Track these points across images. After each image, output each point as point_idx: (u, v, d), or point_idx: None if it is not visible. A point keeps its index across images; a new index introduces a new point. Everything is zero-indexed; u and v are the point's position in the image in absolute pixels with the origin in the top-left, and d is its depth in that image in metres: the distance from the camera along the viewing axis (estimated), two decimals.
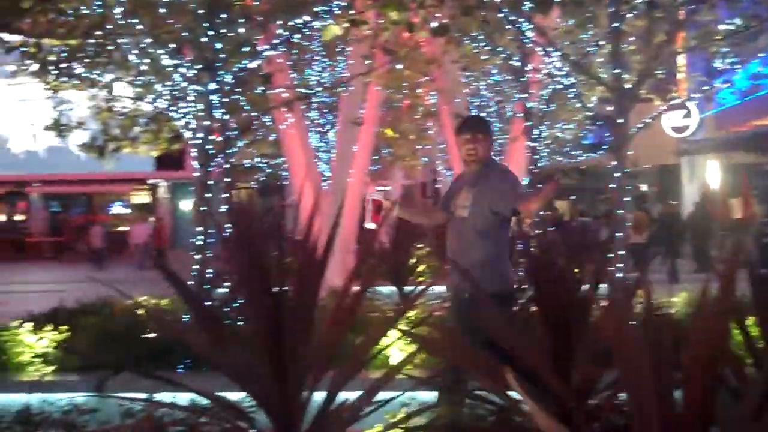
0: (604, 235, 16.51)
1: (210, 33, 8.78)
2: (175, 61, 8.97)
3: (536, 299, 3.73)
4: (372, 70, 11.14)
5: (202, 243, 8.89)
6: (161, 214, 32.93)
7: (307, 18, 9.01)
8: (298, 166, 13.73)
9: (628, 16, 9.11)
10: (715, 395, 2.62)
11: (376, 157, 17.92)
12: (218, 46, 8.82)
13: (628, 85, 8.83)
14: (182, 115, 9.17)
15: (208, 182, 8.93)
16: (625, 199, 8.86)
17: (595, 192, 31.32)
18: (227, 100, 9.11)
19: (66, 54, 10.12)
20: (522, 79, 11.88)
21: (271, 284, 3.00)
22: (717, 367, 2.61)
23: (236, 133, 9.36)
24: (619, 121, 8.75)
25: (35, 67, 10.32)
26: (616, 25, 8.90)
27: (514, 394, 3.15)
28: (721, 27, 9.73)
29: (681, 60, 16.43)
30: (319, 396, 3.13)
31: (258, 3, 9.73)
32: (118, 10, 8.75)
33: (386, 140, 19.81)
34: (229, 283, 8.84)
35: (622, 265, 8.42)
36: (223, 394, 3.34)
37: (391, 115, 18.31)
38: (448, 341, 3.57)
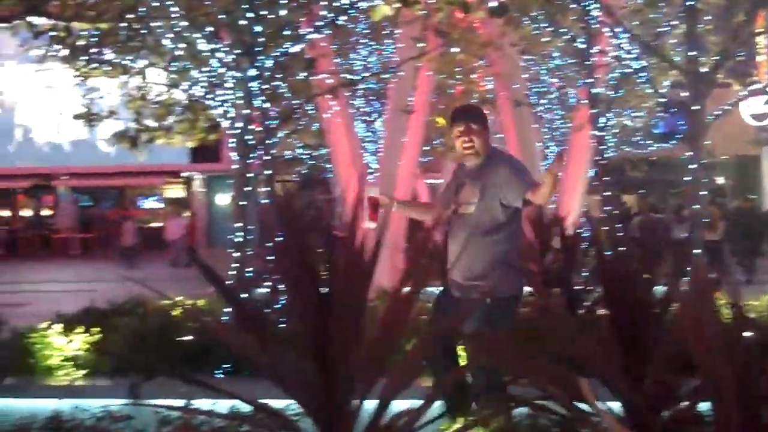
0: (676, 232, 16.34)
1: (249, 15, 8.84)
2: (213, 46, 9.05)
3: (606, 301, 3.70)
4: (423, 53, 11.13)
5: (241, 240, 8.95)
6: (196, 209, 33.23)
7: None
8: (343, 158, 13.77)
9: None
10: None
11: (427, 148, 17.85)
12: (258, 29, 8.88)
13: (704, 69, 8.72)
14: (220, 103, 9.25)
15: (248, 175, 8.99)
16: (700, 193, 8.75)
17: (666, 185, 30.92)
18: (267, 86, 9.16)
19: (97, 38, 10.24)
20: (587, 63, 11.76)
21: (318, 284, 3.01)
22: None
23: (277, 122, 9.43)
24: (693, 108, 8.65)
25: (64, 52, 10.47)
26: (690, 2, 8.78)
27: (580, 404, 3.14)
28: None
29: (762, 41, 16.16)
30: (370, 405, 3.13)
31: None
32: None
33: (438, 129, 19.77)
34: (269, 283, 8.91)
35: (698, 264, 8.33)
36: (266, 400, 3.36)
37: (443, 102, 18.23)
38: (510, 347, 3.56)
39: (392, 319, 3.17)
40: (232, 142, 9.14)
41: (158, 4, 8.89)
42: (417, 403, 3.11)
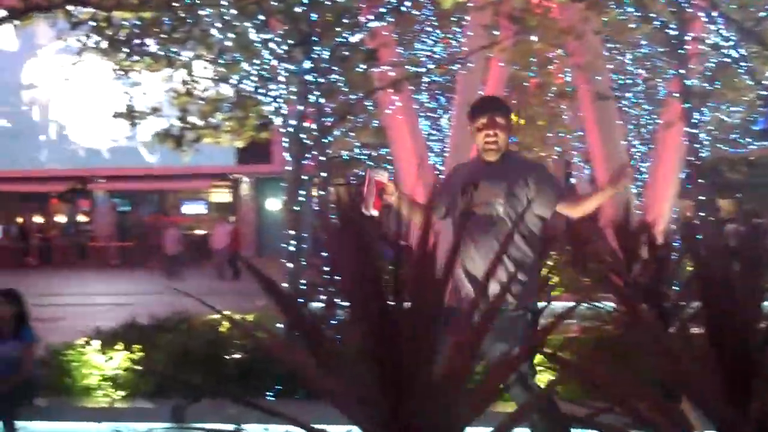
0: None
1: (305, 1, 8.89)
2: (264, 36, 9.11)
3: (704, 317, 3.65)
4: (495, 42, 11.11)
5: (294, 249, 9.00)
6: (243, 215, 33.49)
7: None
8: (405, 158, 13.80)
9: None
10: None
11: None
12: (314, 17, 8.92)
13: None
14: (271, 98, 9.32)
15: (301, 177, 9.03)
16: None
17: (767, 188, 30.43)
18: (324, 80, 9.21)
19: (139, 29, 10.36)
20: (679, 52, 11.63)
21: (386, 298, 3.02)
22: None
23: (334, 119, 9.46)
24: None
25: (104, 44, 10.61)
26: None
27: None
28: None
29: None
30: None
31: None
32: None
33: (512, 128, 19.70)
34: (325, 297, 8.95)
35: None
36: (323, 425, 3.37)
37: (516, 96, 18.19)
38: (601, 368, 3.52)
39: (467, 337, 3.16)
40: (285, 142, 9.20)
41: None
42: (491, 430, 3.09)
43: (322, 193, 10.02)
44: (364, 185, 5.11)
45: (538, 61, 16.00)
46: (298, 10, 8.91)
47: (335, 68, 9.41)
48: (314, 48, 8.96)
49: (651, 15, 11.65)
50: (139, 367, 8.25)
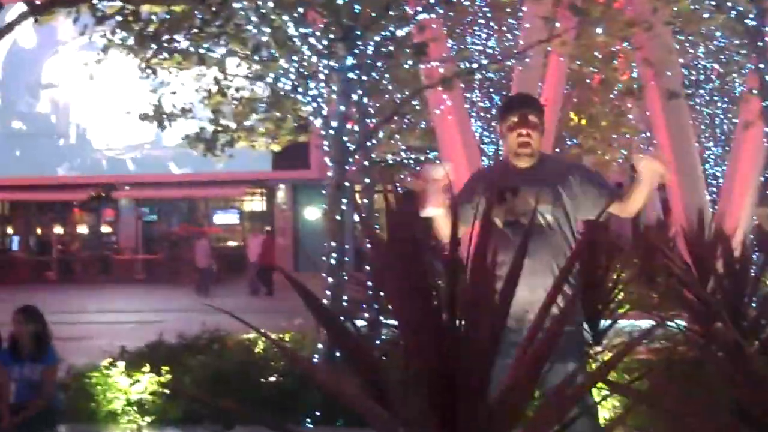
0: None
1: None
2: (303, 30, 9.13)
3: None
4: (555, 35, 11.05)
5: (335, 262, 8.97)
6: (279, 225, 33.51)
7: None
8: (456, 161, 13.76)
9: None
10: None
11: (557, 150, 17.75)
12: (357, 9, 8.92)
13: None
14: (311, 98, 9.31)
15: (344, 183, 9.01)
16: None
17: None
18: (367, 78, 9.20)
19: (168, 23, 10.40)
20: (758, 44, 11.51)
21: (440, 317, 3.00)
22: None
23: (378, 120, 9.45)
24: None
25: (131, 40, 10.68)
26: None
27: None
28: None
29: None
30: None
31: None
32: None
33: (571, 127, 19.62)
34: (369, 314, 8.94)
35: None
36: None
37: (578, 94, 18.11)
38: (673, 394, 3.48)
39: (527, 361, 3.13)
40: (325, 145, 9.19)
41: None
42: None
43: (365, 200, 10.01)
44: (422, 183, 5.03)
45: (601, 56, 15.91)
46: (339, 1, 8.91)
47: (380, 65, 9.40)
48: (357, 43, 8.96)
49: (727, 4, 11.55)
50: (167, 391, 8.28)
